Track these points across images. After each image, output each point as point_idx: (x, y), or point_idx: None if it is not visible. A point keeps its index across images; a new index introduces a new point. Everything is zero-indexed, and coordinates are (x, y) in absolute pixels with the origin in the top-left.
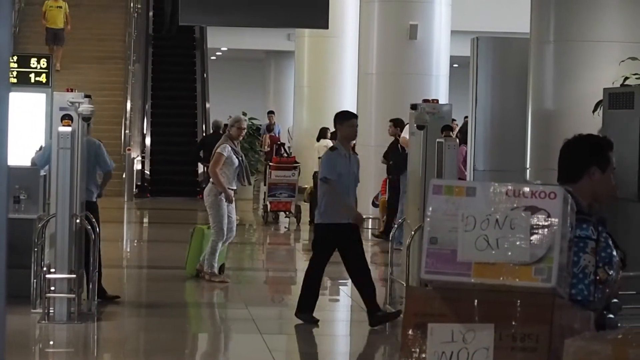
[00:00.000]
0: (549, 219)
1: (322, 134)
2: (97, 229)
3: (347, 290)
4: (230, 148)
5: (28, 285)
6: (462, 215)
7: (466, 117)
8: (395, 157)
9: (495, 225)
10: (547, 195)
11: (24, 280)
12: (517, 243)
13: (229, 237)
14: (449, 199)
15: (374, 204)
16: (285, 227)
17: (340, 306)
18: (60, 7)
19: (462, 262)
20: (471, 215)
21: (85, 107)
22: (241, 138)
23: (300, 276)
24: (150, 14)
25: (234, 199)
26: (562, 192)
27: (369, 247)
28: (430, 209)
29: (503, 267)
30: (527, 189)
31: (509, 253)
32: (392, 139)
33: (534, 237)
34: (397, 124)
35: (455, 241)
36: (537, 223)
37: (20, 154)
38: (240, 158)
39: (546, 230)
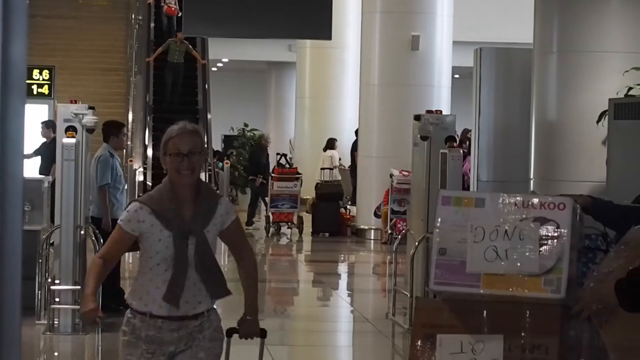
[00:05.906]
0: (558, 230)
1: (330, 144)
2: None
3: (349, 301)
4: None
5: (33, 296)
6: (471, 226)
7: (465, 129)
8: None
9: (504, 236)
10: (556, 206)
11: (29, 292)
12: (527, 254)
13: None
14: (458, 210)
15: (376, 215)
16: (287, 238)
17: (343, 317)
18: None
19: (471, 273)
20: (480, 226)
21: (89, 119)
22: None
23: (303, 287)
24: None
25: None
26: (571, 203)
27: (371, 258)
28: (439, 220)
29: (512, 278)
30: (536, 200)
31: (518, 264)
32: None
33: (543, 248)
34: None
35: (464, 252)
36: (547, 234)
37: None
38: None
39: (555, 241)
